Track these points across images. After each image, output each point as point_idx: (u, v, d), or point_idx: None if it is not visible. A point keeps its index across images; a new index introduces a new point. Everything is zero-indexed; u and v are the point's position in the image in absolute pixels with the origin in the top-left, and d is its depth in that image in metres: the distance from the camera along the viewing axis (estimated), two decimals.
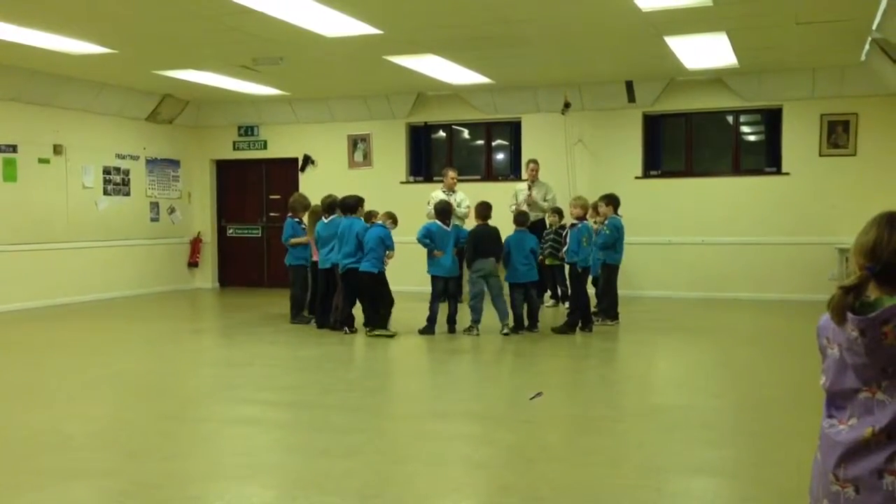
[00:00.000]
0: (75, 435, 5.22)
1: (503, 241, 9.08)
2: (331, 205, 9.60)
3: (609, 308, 9.66)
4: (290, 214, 10.27)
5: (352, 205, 9.33)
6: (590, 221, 9.48)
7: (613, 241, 9.44)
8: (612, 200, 9.69)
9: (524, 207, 11.05)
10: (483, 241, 8.98)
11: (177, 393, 6.66)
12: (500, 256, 9.00)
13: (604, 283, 9.63)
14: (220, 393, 6.65)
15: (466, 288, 9.48)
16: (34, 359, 8.10)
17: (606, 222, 9.53)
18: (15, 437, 5.22)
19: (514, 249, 9.00)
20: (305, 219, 10.15)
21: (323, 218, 9.61)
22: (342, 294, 9.33)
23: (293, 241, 10.03)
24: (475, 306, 8.99)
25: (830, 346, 2.07)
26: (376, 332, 8.90)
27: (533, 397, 6.11)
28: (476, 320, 9.00)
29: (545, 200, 11.33)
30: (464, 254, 9.32)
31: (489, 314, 9.07)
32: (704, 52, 10.10)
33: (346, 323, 9.24)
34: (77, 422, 5.56)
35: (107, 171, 13.04)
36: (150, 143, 13.86)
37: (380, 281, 9.01)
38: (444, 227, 9.13)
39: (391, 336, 8.88)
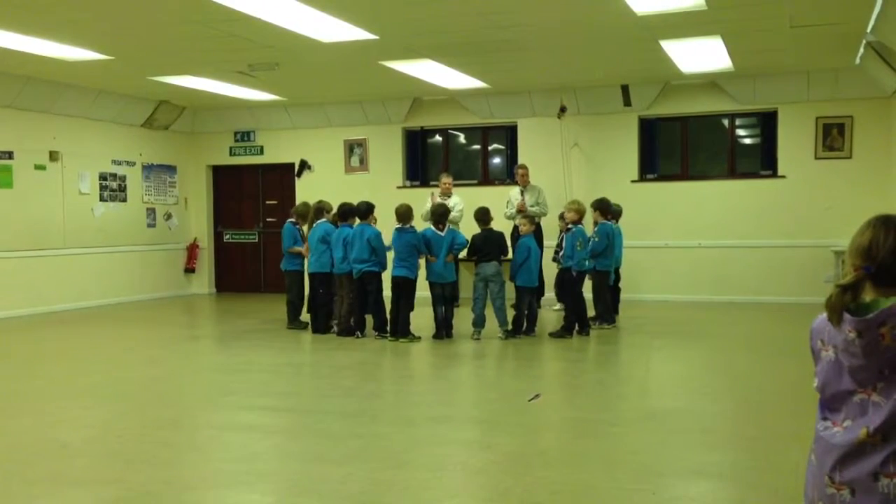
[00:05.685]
0: (71, 442, 5.21)
1: (515, 244, 9.16)
2: (319, 210, 9.68)
3: (604, 312, 9.67)
4: (292, 220, 10.27)
5: (364, 211, 9.34)
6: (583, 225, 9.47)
7: (603, 248, 9.44)
8: (600, 206, 9.69)
9: (511, 212, 11.08)
10: (484, 246, 9.00)
11: (174, 399, 6.65)
12: (501, 260, 9.01)
13: (596, 288, 9.64)
14: (217, 399, 6.64)
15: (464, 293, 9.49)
16: (30, 366, 8.09)
17: (596, 229, 9.53)
18: (10, 444, 5.20)
19: (533, 254, 9.05)
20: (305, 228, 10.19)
21: (315, 223, 9.68)
22: (350, 298, 9.31)
23: (293, 249, 10.08)
24: (475, 310, 9.00)
25: (825, 348, 2.07)
26: (405, 340, 8.89)
27: (531, 399, 6.12)
28: (475, 324, 9.00)
29: (536, 205, 11.30)
30: (458, 258, 9.36)
31: (491, 319, 9.07)
32: (699, 55, 10.12)
33: (357, 327, 9.24)
34: (73, 429, 5.55)
35: (103, 178, 13.03)
36: (146, 149, 13.86)
37: (413, 286, 9.01)
38: (439, 232, 9.12)
39: (419, 339, 8.90)
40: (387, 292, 9.15)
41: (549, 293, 11.19)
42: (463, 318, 9.63)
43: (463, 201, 11.36)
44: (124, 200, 13.44)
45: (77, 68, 10.30)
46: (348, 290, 9.36)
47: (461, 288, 11.60)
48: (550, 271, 10.64)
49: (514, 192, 11.61)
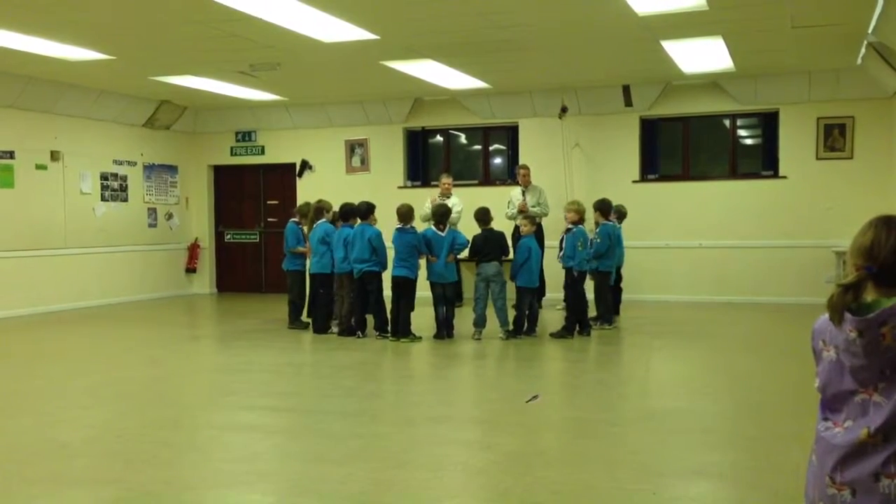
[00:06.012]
0: (71, 442, 5.21)
1: (516, 245, 9.18)
2: (318, 209, 9.70)
3: (605, 312, 9.67)
4: (295, 220, 10.29)
5: (364, 211, 9.34)
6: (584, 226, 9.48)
7: (606, 250, 9.45)
8: (600, 207, 9.70)
9: (512, 213, 11.08)
10: (485, 246, 9.00)
11: (175, 399, 6.65)
12: (502, 261, 9.02)
13: (598, 288, 9.64)
14: (218, 399, 6.65)
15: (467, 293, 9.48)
16: (31, 366, 8.09)
17: (598, 230, 9.53)
18: (10, 444, 5.20)
19: (534, 255, 9.05)
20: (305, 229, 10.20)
21: (315, 223, 9.70)
22: (351, 298, 9.31)
23: (297, 250, 10.11)
24: (476, 310, 8.99)
25: (826, 348, 2.07)
26: (405, 340, 8.87)
27: (529, 400, 6.11)
28: (476, 324, 8.99)
29: (537, 205, 11.30)
30: (459, 258, 9.36)
31: (492, 319, 9.06)
32: (701, 56, 10.12)
33: (358, 327, 9.24)
34: (73, 429, 5.55)
35: (104, 178, 13.04)
36: (147, 149, 13.86)
37: (414, 286, 9.00)
38: (439, 232, 9.12)
39: (420, 339, 8.89)
40: (387, 292, 9.15)
41: (551, 293, 11.18)
42: (464, 318, 9.63)
43: (462, 202, 11.35)
44: (125, 200, 13.45)
45: (78, 68, 10.31)
46: (349, 289, 9.37)
47: (463, 288, 11.59)
48: (551, 272, 10.63)
49: (515, 192, 11.61)
